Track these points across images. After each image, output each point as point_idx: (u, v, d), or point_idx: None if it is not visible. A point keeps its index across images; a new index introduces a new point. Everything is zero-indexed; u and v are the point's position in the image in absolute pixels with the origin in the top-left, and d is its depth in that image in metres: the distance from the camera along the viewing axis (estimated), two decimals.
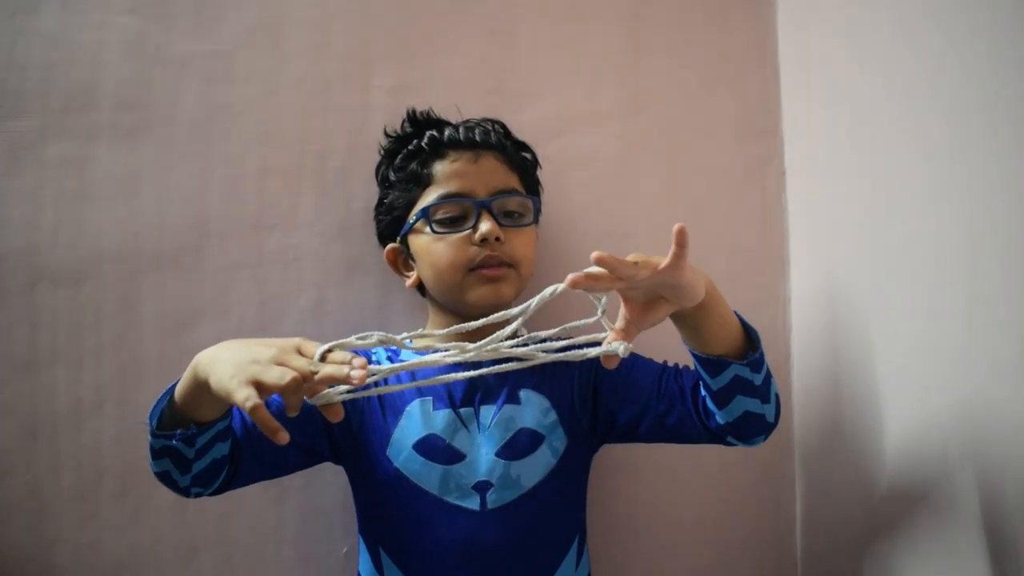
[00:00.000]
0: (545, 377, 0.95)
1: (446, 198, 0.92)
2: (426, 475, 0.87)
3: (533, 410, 0.91)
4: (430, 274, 0.94)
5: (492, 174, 0.94)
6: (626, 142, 1.14)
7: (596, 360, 0.93)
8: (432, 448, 0.88)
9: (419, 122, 1.01)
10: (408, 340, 0.71)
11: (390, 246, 0.99)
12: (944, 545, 0.81)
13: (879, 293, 0.93)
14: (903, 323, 0.87)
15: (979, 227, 0.73)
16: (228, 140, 1.09)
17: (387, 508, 0.88)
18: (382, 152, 1.03)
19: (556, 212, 1.09)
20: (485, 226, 0.90)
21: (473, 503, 0.87)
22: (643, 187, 1.15)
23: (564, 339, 0.76)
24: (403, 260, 0.99)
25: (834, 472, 1.05)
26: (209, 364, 0.69)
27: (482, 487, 0.87)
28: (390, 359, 0.96)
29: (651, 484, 1.13)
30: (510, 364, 0.73)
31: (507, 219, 0.93)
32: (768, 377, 0.84)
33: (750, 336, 0.82)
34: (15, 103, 1.06)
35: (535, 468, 0.89)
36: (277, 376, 0.63)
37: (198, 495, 0.83)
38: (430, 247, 0.92)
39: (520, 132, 1.02)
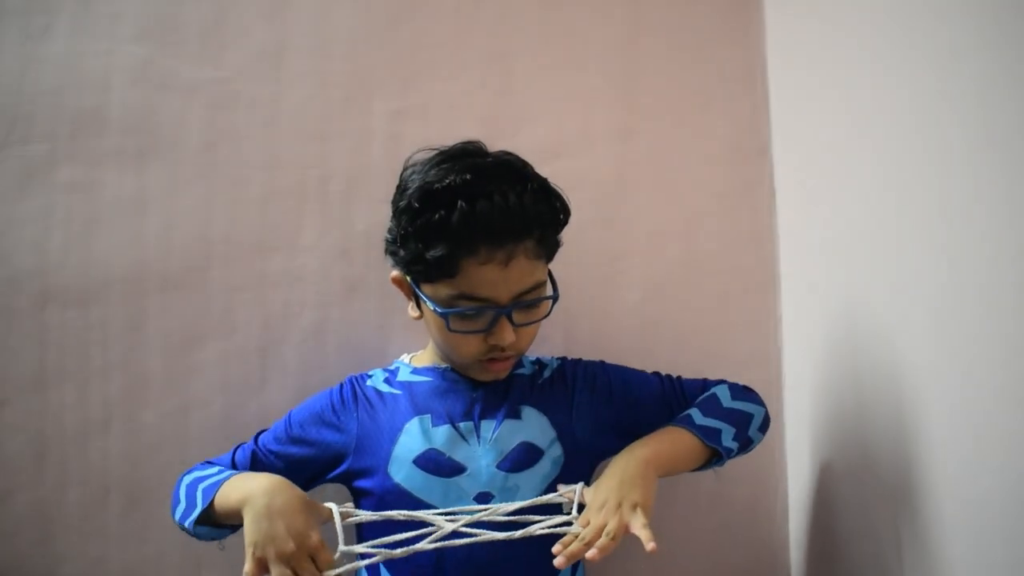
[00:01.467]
0: (544, 396, 0.97)
1: (467, 300, 0.86)
2: (428, 489, 0.89)
3: (533, 426, 0.93)
4: (437, 341, 0.94)
5: (520, 279, 0.86)
6: (619, 165, 1.17)
7: (597, 382, 0.98)
8: (433, 462, 0.90)
9: (448, 187, 0.84)
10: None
11: (399, 274, 0.94)
12: (940, 560, 0.82)
13: (871, 312, 0.94)
14: (895, 341, 0.89)
15: (969, 245, 0.75)
16: (232, 164, 1.12)
17: (389, 523, 0.90)
18: (405, 190, 0.89)
19: None
20: (502, 336, 0.87)
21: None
22: (636, 209, 1.17)
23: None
24: (410, 291, 0.94)
25: (826, 488, 1.07)
26: (249, 503, 0.81)
27: (483, 498, 0.89)
28: (387, 381, 0.99)
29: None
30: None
31: (523, 315, 0.89)
32: (750, 436, 0.97)
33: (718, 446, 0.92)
34: (26, 128, 1.10)
35: (535, 480, 0.91)
36: (280, 573, 0.77)
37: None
38: (442, 329, 0.89)
39: (517, 154, 1.03)
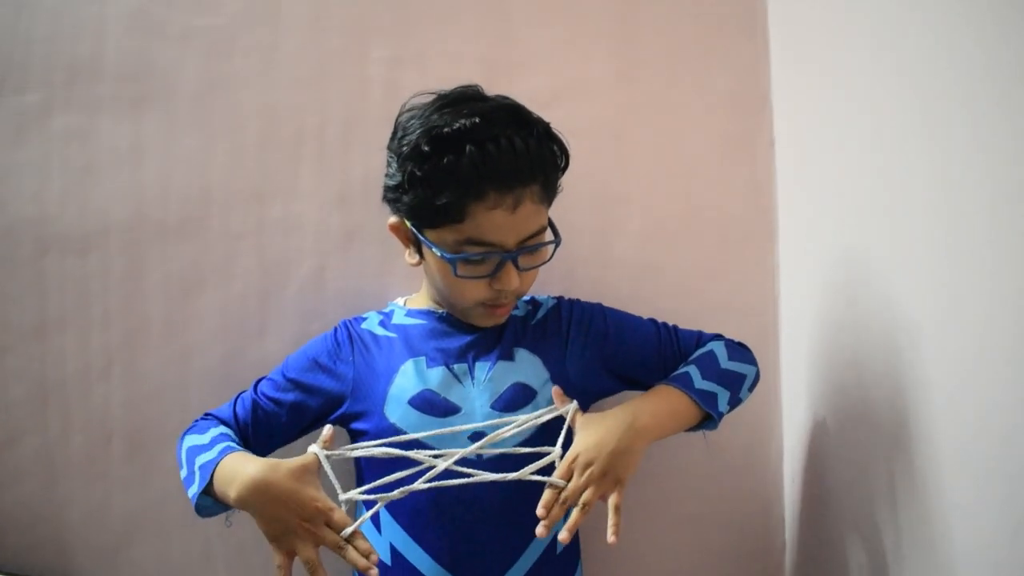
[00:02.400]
0: (538, 337, 0.98)
1: (475, 246, 0.86)
2: (423, 428, 0.90)
3: (526, 367, 0.94)
4: (439, 286, 0.94)
5: (526, 223, 0.87)
6: (618, 112, 1.16)
7: (592, 325, 0.99)
8: (427, 403, 0.91)
9: (457, 131, 0.83)
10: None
11: (397, 221, 0.93)
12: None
13: (868, 260, 0.95)
14: (892, 290, 0.89)
15: (972, 194, 0.75)
16: (229, 112, 1.11)
17: (385, 463, 0.91)
18: (409, 133, 0.87)
19: None
20: (507, 280, 0.88)
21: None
22: (634, 156, 1.17)
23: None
24: (409, 238, 0.94)
25: (820, 434, 1.08)
26: (249, 506, 0.82)
27: (477, 437, 0.89)
28: (382, 324, 0.99)
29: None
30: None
31: (527, 259, 0.90)
32: (740, 397, 0.99)
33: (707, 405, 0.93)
34: (21, 77, 1.09)
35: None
36: (308, 557, 0.80)
37: None
38: (446, 275, 0.89)
39: (517, 100, 1.02)
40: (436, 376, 0.93)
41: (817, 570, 1.10)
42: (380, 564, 0.91)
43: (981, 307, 0.73)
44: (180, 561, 1.10)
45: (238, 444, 0.91)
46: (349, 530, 0.80)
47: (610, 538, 0.81)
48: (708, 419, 0.95)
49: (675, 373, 0.97)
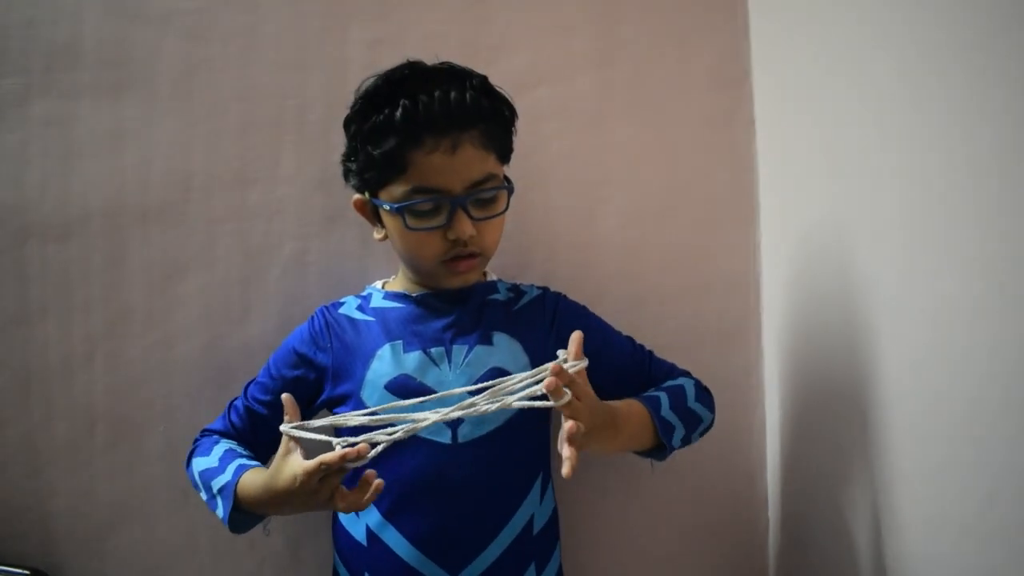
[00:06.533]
0: (519, 323, 0.97)
1: (420, 193, 0.88)
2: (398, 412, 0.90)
3: (504, 352, 0.93)
4: (401, 252, 0.94)
5: (469, 166, 0.88)
6: (598, 93, 1.16)
7: (578, 323, 0.95)
8: (404, 387, 0.90)
9: (392, 80, 0.91)
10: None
11: (358, 197, 0.96)
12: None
13: (849, 239, 0.95)
14: (875, 269, 0.89)
15: (951, 172, 0.75)
16: (209, 96, 1.11)
17: (399, 456, 0.89)
18: (354, 105, 0.94)
19: (531, 163, 1.11)
20: (460, 228, 0.88)
21: (444, 437, 0.89)
22: (616, 137, 1.17)
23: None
24: (372, 213, 0.96)
25: (805, 415, 1.08)
26: (278, 512, 0.87)
27: (454, 422, 0.89)
28: (360, 308, 0.99)
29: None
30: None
31: (480, 209, 0.90)
32: (691, 438, 0.98)
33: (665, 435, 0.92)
34: None
35: None
36: (336, 504, 0.80)
37: None
38: (403, 234, 0.91)
39: (496, 84, 1.03)
40: (413, 360, 0.92)
41: (800, 547, 1.11)
42: (356, 545, 0.93)
43: (951, 284, 0.74)
44: (166, 548, 1.09)
45: (245, 453, 0.93)
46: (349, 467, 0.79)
47: (565, 470, 0.75)
48: (659, 448, 0.94)
49: (646, 394, 0.96)
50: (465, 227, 0.88)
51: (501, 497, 0.90)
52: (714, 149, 1.18)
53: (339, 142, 1.10)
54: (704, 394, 1.01)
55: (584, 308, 1.03)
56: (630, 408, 0.91)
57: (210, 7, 1.11)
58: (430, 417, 0.80)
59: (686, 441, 0.97)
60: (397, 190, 0.89)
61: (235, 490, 0.86)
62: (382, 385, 0.91)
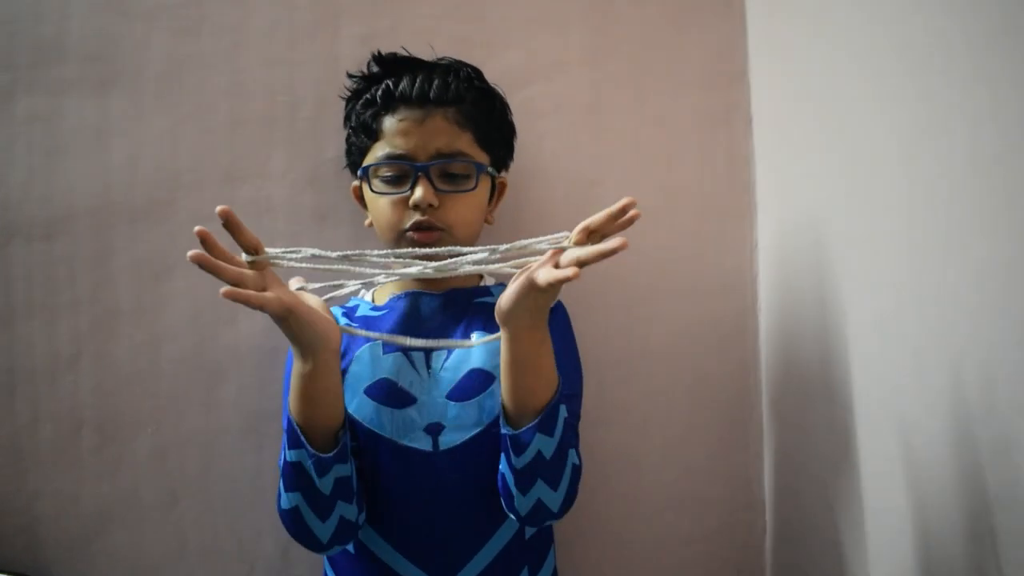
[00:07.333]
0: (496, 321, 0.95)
1: (387, 159, 0.92)
2: (379, 420, 0.88)
3: (483, 352, 0.91)
4: (375, 225, 0.96)
5: (436, 135, 0.91)
6: (595, 89, 1.15)
7: (551, 329, 0.87)
8: (383, 392, 0.89)
9: (384, 64, 0.98)
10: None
11: (355, 184, 1.00)
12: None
13: (847, 238, 0.94)
14: (873, 268, 0.88)
15: (950, 173, 0.74)
16: (198, 92, 1.09)
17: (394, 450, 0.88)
18: (349, 90, 1.00)
19: (526, 159, 1.09)
20: (419, 192, 0.89)
21: (425, 444, 0.87)
22: (612, 134, 1.15)
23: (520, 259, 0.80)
24: (363, 198, 0.99)
25: (803, 417, 1.07)
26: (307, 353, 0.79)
27: (434, 429, 0.88)
28: (346, 316, 0.97)
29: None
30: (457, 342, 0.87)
31: (448, 183, 0.91)
32: (562, 453, 0.81)
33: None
34: None
35: (487, 405, 0.88)
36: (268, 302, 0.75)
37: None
38: (374, 202, 0.94)
39: (490, 80, 1.02)
40: (391, 363, 0.90)
41: (796, 551, 1.09)
42: (345, 553, 0.91)
43: (955, 285, 0.73)
44: (153, 551, 1.08)
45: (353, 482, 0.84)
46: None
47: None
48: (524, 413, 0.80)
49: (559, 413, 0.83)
50: (426, 194, 0.89)
51: (488, 504, 0.88)
52: (711, 147, 1.17)
53: (330, 139, 1.10)
54: (575, 477, 0.84)
55: (568, 328, 0.97)
56: (552, 367, 0.82)
57: (199, 1, 1.09)
58: (409, 341, 0.83)
59: (543, 455, 0.80)
60: (371, 158, 0.94)
61: (287, 403, 0.81)
62: (362, 390, 0.89)
